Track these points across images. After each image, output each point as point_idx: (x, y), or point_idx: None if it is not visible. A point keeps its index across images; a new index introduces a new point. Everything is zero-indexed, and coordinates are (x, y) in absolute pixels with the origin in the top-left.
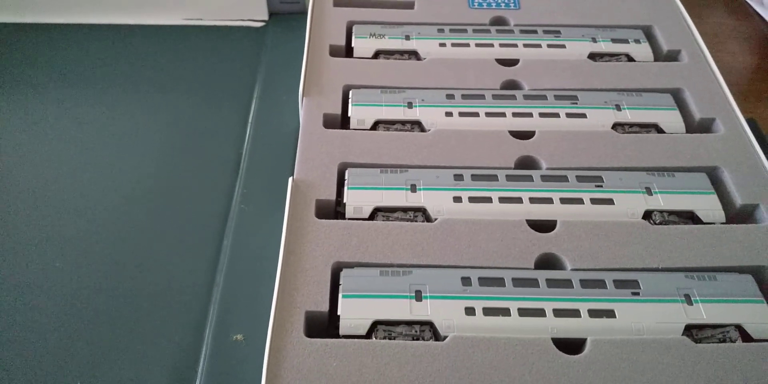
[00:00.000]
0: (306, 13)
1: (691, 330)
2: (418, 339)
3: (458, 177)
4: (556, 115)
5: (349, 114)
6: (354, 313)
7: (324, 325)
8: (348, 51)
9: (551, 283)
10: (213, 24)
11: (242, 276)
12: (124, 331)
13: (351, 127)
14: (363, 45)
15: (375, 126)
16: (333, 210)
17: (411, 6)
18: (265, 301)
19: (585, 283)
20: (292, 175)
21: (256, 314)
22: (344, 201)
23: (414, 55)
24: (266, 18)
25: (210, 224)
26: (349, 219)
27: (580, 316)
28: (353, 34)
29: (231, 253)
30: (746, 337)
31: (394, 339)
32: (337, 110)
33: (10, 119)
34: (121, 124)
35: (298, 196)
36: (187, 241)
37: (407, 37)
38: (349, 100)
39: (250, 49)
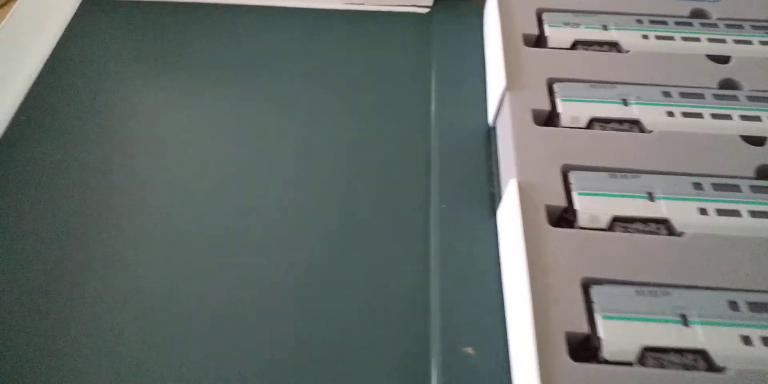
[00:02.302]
0: None
1: None
2: (689, 369)
3: (697, 186)
4: None
5: (559, 110)
6: (620, 337)
7: (576, 347)
8: (538, 40)
9: None
10: (376, 9)
11: (457, 281)
12: (345, 338)
13: (562, 124)
14: (559, 34)
15: (589, 124)
16: (558, 216)
17: None
18: (488, 310)
19: None
20: (514, 176)
21: (480, 324)
22: (574, 207)
23: (614, 46)
24: (431, 3)
25: (412, 224)
26: (582, 228)
27: None
28: (544, 22)
29: (441, 256)
30: None
31: (665, 368)
32: (545, 106)
33: (183, 114)
34: (303, 115)
35: (525, 200)
36: (391, 242)
37: (605, 27)
38: (555, 95)
39: (418, 37)
